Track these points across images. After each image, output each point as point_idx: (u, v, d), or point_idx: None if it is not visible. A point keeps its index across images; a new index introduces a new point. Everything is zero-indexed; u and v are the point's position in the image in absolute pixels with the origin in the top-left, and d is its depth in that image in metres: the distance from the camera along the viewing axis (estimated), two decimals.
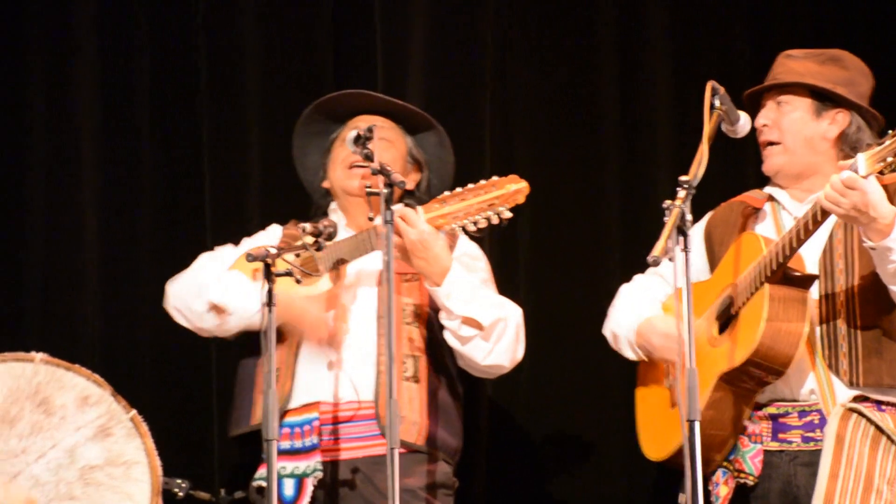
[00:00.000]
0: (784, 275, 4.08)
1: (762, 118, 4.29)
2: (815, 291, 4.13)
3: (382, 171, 3.99)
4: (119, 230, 5.29)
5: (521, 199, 4.26)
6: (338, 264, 4.35)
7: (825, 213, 3.96)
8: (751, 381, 4.11)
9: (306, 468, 4.30)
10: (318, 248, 4.17)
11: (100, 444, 4.18)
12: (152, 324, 5.15)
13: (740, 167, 5.04)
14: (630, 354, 4.42)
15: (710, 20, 5.23)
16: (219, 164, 5.30)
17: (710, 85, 3.98)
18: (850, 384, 4.07)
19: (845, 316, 4.09)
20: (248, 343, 4.40)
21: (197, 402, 5.21)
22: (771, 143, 4.29)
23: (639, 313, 4.39)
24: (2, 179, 5.27)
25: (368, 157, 4.04)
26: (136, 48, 5.32)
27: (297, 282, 4.16)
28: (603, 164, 5.24)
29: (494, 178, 4.26)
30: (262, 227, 4.73)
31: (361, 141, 4.07)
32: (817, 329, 4.12)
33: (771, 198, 4.34)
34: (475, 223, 4.25)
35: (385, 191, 3.99)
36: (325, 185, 4.59)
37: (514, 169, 4.86)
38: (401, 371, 4.32)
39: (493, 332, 4.32)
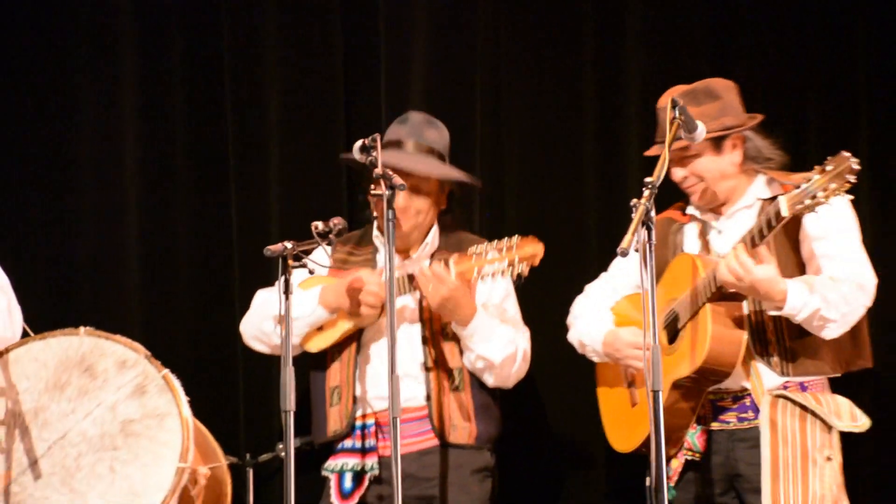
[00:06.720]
0: (720, 293, 4.35)
1: (677, 175, 4.46)
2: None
3: (384, 176, 4.22)
4: (158, 216, 5.60)
5: (536, 262, 4.48)
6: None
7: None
8: (700, 384, 4.41)
9: (364, 466, 4.64)
10: (329, 244, 4.42)
11: (137, 401, 4.45)
12: (189, 302, 5.54)
13: None
14: (596, 359, 4.73)
15: (678, 46, 5.42)
16: (244, 165, 5.59)
17: (671, 99, 4.16)
18: (781, 373, 4.36)
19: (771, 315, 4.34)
20: (318, 357, 4.71)
21: (226, 375, 5.49)
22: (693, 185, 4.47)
23: (604, 324, 4.64)
24: (57, 179, 5.63)
25: (373, 164, 4.23)
26: (172, 68, 5.68)
27: (311, 273, 4.43)
28: (582, 172, 5.47)
29: (517, 238, 4.46)
30: (280, 221, 5.11)
31: (367, 149, 4.27)
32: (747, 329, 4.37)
33: (694, 217, 4.57)
34: (493, 275, 4.53)
35: (387, 192, 4.20)
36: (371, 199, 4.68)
37: (502, 171, 5.21)
38: (448, 382, 4.65)
39: (503, 367, 4.67)
